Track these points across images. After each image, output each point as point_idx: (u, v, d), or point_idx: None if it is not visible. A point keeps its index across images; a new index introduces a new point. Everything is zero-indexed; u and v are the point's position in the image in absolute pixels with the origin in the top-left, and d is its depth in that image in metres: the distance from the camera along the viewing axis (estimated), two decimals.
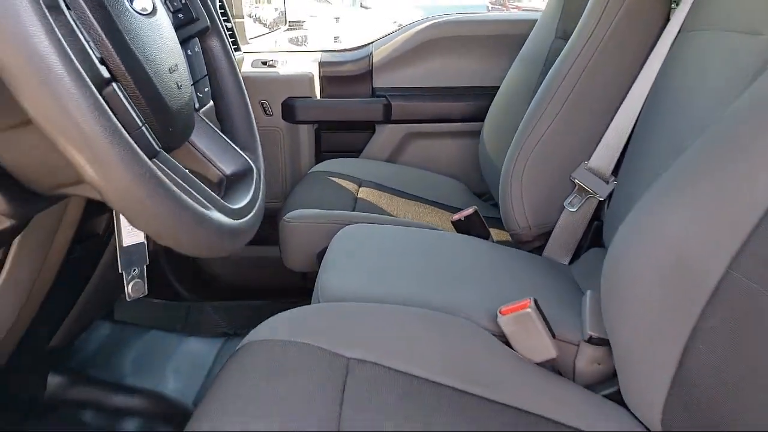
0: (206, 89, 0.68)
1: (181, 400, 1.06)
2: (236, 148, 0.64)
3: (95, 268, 0.85)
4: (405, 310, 0.72)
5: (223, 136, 0.64)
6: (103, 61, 0.43)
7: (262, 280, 1.51)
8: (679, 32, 0.88)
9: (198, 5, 0.66)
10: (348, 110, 1.51)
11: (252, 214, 0.56)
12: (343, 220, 1.03)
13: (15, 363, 0.79)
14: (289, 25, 1.89)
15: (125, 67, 0.44)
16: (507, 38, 1.47)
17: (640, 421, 0.60)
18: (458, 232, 1.05)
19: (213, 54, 0.69)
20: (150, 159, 0.41)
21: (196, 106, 0.65)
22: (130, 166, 0.38)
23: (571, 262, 1.02)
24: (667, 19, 0.93)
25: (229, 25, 1.33)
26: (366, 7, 7.84)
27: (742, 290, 0.48)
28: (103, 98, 0.38)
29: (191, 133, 0.59)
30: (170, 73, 0.50)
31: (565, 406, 0.61)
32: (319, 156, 1.54)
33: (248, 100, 0.70)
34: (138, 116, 0.44)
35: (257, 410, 0.52)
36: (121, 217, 0.57)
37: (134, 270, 0.59)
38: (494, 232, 1.09)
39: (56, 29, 0.35)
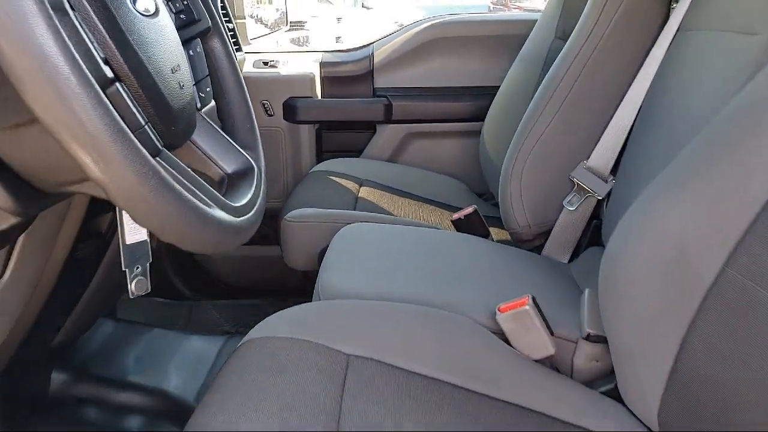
0: (208, 89, 0.69)
1: (183, 397, 1.07)
2: (237, 147, 0.64)
3: (98, 267, 0.86)
4: (405, 308, 0.72)
5: (225, 135, 0.65)
6: (107, 62, 0.43)
7: (264, 279, 1.52)
8: (677, 32, 0.89)
9: (200, 6, 0.67)
10: (349, 110, 1.52)
11: (253, 211, 0.56)
12: (344, 220, 1.04)
13: (19, 360, 0.80)
14: (291, 26, 1.90)
15: (128, 68, 0.45)
16: (507, 38, 1.48)
17: (637, 418, 0.60)
18: (458, 231, 1.06)
19: (214, 54, 0.70)
20: (153, 157, 0.41)
21: (198, 105, 0.65)
22: (134, 164, 0.39)
23: (571, 260, 1.02)
24: (666, 19, 0.93)
25: (230, 25, 1.33)
26: (367, 8, 7.84)
27: (738, 287, 0.49)
28: (107, 98, 0.38)
29: (193, 132, 0.59)
30: (172, 73, 0.51)
31: (563, 402, 0.61)
32: (320, 156, 1.55)
33: (249, 99, 0.71)
34: (141, 115, 0.45)
35: (257, 404, 0.53)
36: (125, 214, 0.58)
37: (137, 268, 0.60)
38: (494, 231, 1.10)
39: (61, 30, 0.36)
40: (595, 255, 0.96)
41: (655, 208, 0.58)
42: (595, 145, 0.97)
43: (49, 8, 0.36)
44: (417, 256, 0.89)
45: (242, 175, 0.62)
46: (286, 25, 1.80)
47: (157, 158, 0.45)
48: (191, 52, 0.65)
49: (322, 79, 1.52)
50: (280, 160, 1.52)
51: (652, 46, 0.93)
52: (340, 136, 1.56)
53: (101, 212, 0.78)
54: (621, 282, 0.60)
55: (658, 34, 0.92)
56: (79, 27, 0.41)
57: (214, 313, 1.42)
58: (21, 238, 0.61)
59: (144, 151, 0.40)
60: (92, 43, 0.42)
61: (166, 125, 0.49)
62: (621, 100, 0.95)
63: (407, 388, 0.58)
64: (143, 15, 0.49)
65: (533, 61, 1.27)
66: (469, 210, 1.05)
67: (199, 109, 0.65)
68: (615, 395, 0.64)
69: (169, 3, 0.62)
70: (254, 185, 0.61)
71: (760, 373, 0.47)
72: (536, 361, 0.68)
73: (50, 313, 0.79)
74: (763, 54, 0.69)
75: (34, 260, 0.66)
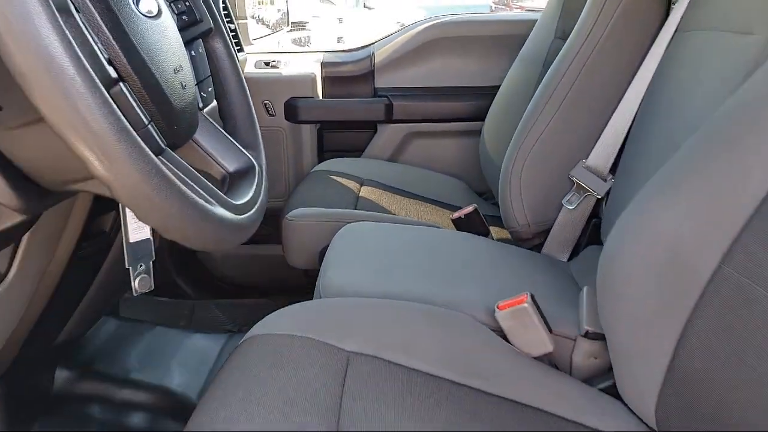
0: (210, 89, 0.69)
1: (185, 394, 1.08)
2: (239, 146, 0.65)
3: (102, 265, 0.87)
4: (405, 305, 0.73)
5: (226, 134, 0.65)
6: (110, 62, 0.44)
7: (265, 278, 1.53)
8: (675, 32, 0.89)
9: (202, 7, 0.68)
10: (350, 110, 1.52)
11: (254, 209, 0.57)
12: (345, 219, 1.04)
13: (23, 358, 0.81)
14: (292, 26, 1.91)
15: (132, 68, 0.46)
16: (507, 38, 1.48)
17: (635, 414, 0.61)
18: (458, 229, 1.06)
19: (216, 55, 0.70)
20: (156, 156, 0.42)
21: (200, 105, 0.66)
22: (138, 162, 0.39)
23: (570, 259, 1.03)
24: (664, 19, 0.94)
25: (232, 26, 1.34)
26: (369, 8, 7.84)
27: (734, 285, 0.49)
28: (111, 97, 0.39)
29: (195, 131, 0.60)
30: (175, 73, 0.52)
31: (562, 399, 0.62)
32: (322, 155, 1.56)
33: (250, 99, 0.72)
34: (144, 115, 0.45)
35: (259, 399, 0.53)
36: (128, 212, 0.59)
37: (141, 266, 0.61)
38: (494, 230, 1.11)
39: (67, 31, 0.37)
40: (594, 253, 0.96)
41: (650, 210, 0.58)
42: (595, 144, 0.98)
43: (55, 10, 0.36)
44: (417, 254, 0.89)
45: (244, 174, 0.63)
46: (288, 25, 1.80)
47: (160, 157, 0.46)
48: (193, 53, 0.66)
49: (324, 79, 1.52)
50: (282, 159, 1.53)
51: (651, 46, 0.93)
52: (341, 136, 1.57)
53: (105, 211, 0.79)
54: (618, 281, 0.60)
55: (657, 34, 0.93)
56: (83, 28, 0.42)
57: (217, 311, 1.43)
58: (25, 237, 0.62)
59: (147, 149, 0.41)
60: (96, 44, 0.43)
61: (168, 124, 0.50)
62: (620, 100, 0.96)
63: (407, 385, 0.58)
64: (146, 16, 0.50)
65: (533, 61, 1.27)
66: (470, 209, 1.06)
67: (201, 109, 0.66)
68: (613, 392, 0.64)
69: (172, 4, 0.63)
70: (255, 183, 0.61)
71: (757, 371, 0.47)
72: (535, 358, 0.68)
73: (54, 311, 0.80)
74: (760, 54, 0.69)
75: (38, 258, 0.67)
